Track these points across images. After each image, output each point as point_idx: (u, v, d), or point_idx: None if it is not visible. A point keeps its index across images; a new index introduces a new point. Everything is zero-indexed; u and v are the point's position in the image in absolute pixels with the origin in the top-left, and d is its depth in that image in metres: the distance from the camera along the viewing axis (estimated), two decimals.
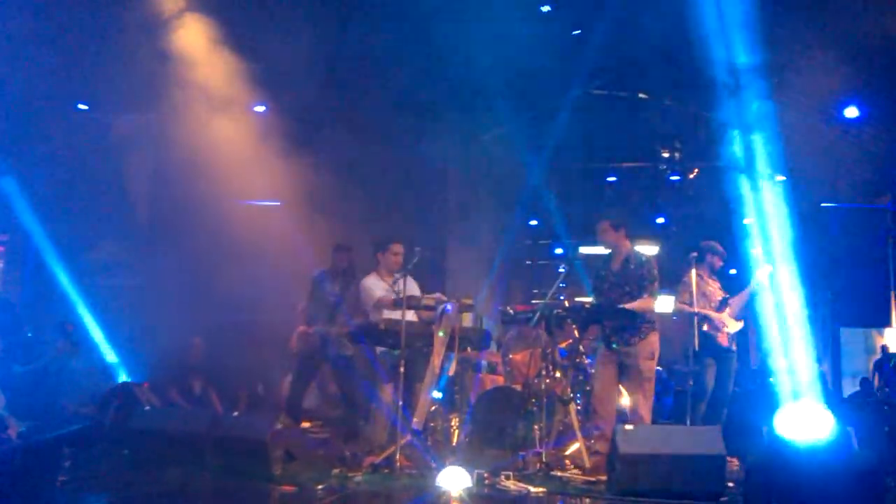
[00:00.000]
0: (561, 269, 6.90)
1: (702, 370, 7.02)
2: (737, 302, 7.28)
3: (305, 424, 7.92)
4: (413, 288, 6.79)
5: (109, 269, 10.22)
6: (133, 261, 10.28)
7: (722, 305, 7.22)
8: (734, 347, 7.29)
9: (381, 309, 6.69)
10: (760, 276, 7.39)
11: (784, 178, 13.75)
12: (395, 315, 6.38)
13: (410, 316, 6.42)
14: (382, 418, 6.53)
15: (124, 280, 10.39)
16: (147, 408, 6.43)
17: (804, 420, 5.35)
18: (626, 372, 6.39)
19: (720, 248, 7.54)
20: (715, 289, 7.36)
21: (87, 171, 10.10)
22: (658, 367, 6.93)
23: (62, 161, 9.85)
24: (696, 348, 6.91)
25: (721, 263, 7.47)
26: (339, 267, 7.60)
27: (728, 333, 7.21)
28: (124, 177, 11.03)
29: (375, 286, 6.87)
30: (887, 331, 13.47)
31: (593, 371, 6.91)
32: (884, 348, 13.05)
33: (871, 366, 13.16)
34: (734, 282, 7.76)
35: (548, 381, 6.59)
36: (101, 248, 10.23)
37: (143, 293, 10.25)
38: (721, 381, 7.12)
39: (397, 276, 6.50)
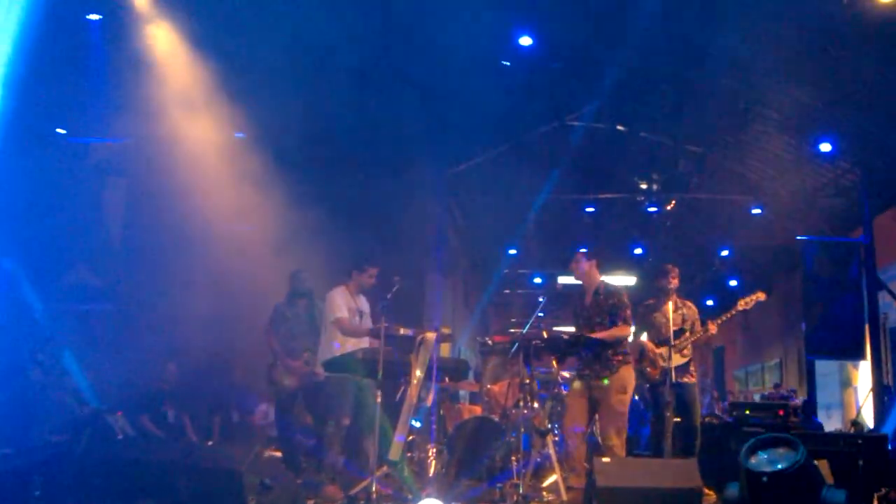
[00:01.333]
0: (540, 300, 6.89)
1: (646, 401, 6.98)
2: (713, 325, 7.13)
3: (279, 454, 7.82)
4: (367, 306, 7.02)
5: (83, 293, 10.11)
6: (107, 285, 10.17)
7: (677, 335, 6.96)
8: (687, 380, 7.03)
9: (346, 326, 6.78)
10: (747, 302, 7.28)
11: (759, 210, 13.97)
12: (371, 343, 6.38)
13: (365, 343, 6.55)
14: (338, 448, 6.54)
15: (98, 305, 10.28)
16: (120, 436, 6.33)
17: (775, 451, 5.34)
18: (597, 405, 6.37)
19: (667, 267, 7.26)
20: (666, 319, 6.98)
21: (62, 195, 10.01)
22: (636, 397, 6.88)
23: (37, 184, 9.76)
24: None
25: (674, 282, 7.15)
26: (301, 289, 7.62)
27: (663, 367, 6.94)
28: (100, 201, 10.96)
29: (342, 301, 6.89)
30: (861, 364, 13.60)
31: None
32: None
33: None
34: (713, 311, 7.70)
35: (525, 411, 6.56)
36: (74, 273, 10.13)
37: (117, 318, 10.14)
38: (681, 412, 7.03)
39: (379, 305, 6.50)
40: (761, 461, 5.15)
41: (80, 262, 10.24)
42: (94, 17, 8.78)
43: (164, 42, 9.18)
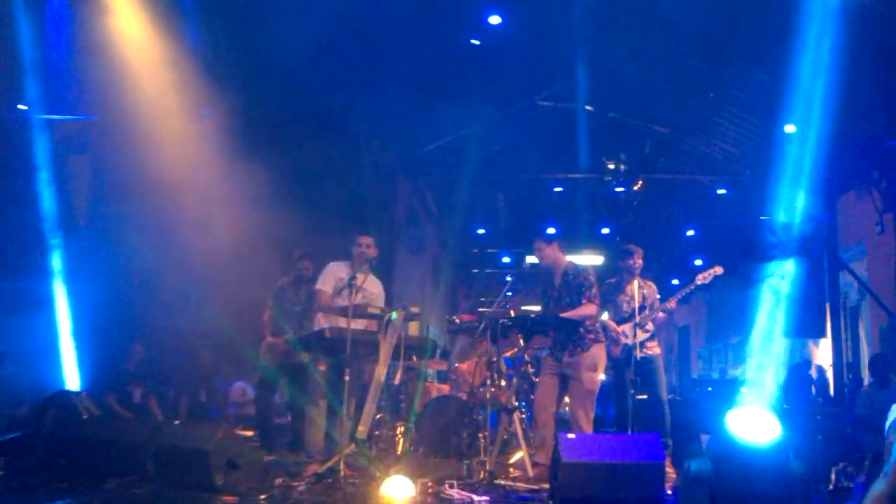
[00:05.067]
0: (507, 279, 6.94)
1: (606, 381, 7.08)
2: (672, 301, 7.27)
3: (248, 433, 7.83)
4: (375, 286, 6.92)
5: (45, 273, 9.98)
6: (71, 265, 10.04)
7: (632, 315, 7.06)
8: (649, 352, 7.18)
9: (321, 300, 6.76)
10: (705, 276, 7.39)
11: (725, 191, 14.14)
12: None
13: (358, 322, 6.41)
14: (323, 427, 6.52)
15: (63, 284, 10.14)
16: (85, 416, 6.28)
17: (754, 424, 5.45)
18: (568, 383, 6.46)
19: (630, 248, 7.43)
20: (630, 297, 7.19)
21: (26, 173, 9.86)
22: (603, 377, 6.98)
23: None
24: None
25: (639, 262, 7.31)
26: (305, 275, 7.62)
27: (624, 344, 7.13)
28: (64, 179, 10.79)
29: (329, 275, 6.87)
30: (822, 341, 13.86)
31: (537, 380, 6.97)
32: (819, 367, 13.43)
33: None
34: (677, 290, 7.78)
35: (493, 390, 6.63)
36: (38, 252, 9.98)
37: (81, 298, 10.02)
38: (647, 388, 7.16)
39: (358, 272, 6.48)
40: (738, 430, 5.24)
41: (40, 243, 10.09)
42: None
43: (128, 17, 9.06)
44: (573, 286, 6.52)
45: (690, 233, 16.90)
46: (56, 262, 9.76)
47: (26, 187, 9.66)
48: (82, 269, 10.02)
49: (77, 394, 7.12)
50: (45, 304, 9.39)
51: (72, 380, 9.00)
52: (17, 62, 8.91)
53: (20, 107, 10.12)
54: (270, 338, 7.60)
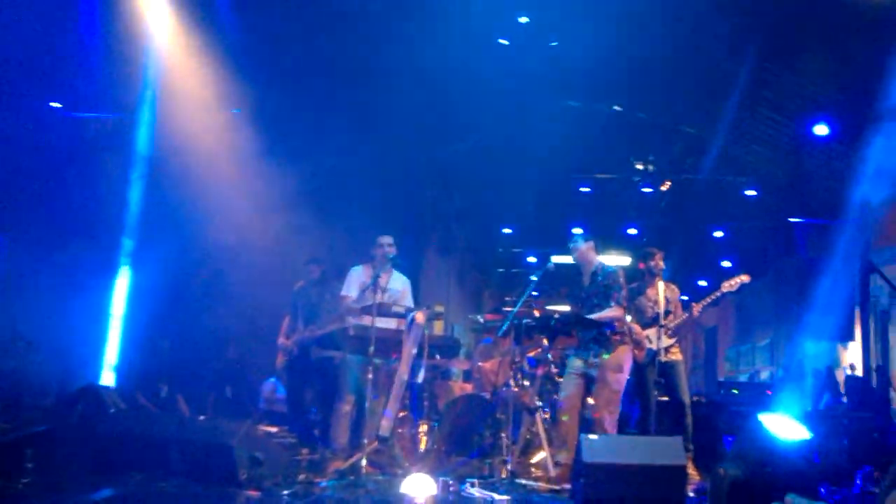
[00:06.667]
0: (532, 278, 6.92)
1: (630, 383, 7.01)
2: (697, 308, 7.20)
3: (272, 429, 7.91)
4: (399, 282, 6.86)
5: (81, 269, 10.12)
6: (102, 263, 10.18)
7: (656, 318, 7.01)
8: (672, 358, 7.11)
9: (347, 307, 6.75)
10: (731, 284, 7.32)
11: (755, 192, 14.01)
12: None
13: (387, 322, 6.44)
14: (347, 424, 6.56)
15: (95, 280, 10.28)
16: (112, 410, 6.38)
17: (782, 427, 5.44)
18: (593, 384, 6.44)
19: (652, 250, 7.37)
20: (654, 301, 7.14)
21: (58, 170, 10.00)
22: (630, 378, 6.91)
23: (33, 160, 9.75)
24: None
25: (660, 264, 7.26)
26: (312, 277, 7.79)
27: (648, 348, 7.06)
28: (97, 177, 10.93)
29: (354, 280, 6.88)
30: (851, 345, 13.68)
31: (561, 381, 6.95)
32: (852, 366, 13.26)
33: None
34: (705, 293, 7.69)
35: (516, 389, 6.63)
36: (70, 249, 10.12)
37: (114, 295, 10.14)
38: (669, 392, 7.10)
39: (381, 271, 6.52)
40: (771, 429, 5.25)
41: (76, 239, 10.23)
42: None
43: (159, 16, 9.16)
44: (601, 288, 6.49)
45: (718, 234, 16.75)
46: (87, 258, 9.89)
47: (58, 184, 9.80)
48: (113, 265, 10.16)
49: (105, 388, 7.23)
50: (77, 296, 9.53)
51: (104, 374, 9.13)
52: (52, 59, 9.04)
53: (53, 104, 10.28)
54: (282, 339, 7.88)
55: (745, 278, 7.30)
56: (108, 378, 9.05)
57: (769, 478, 4.77)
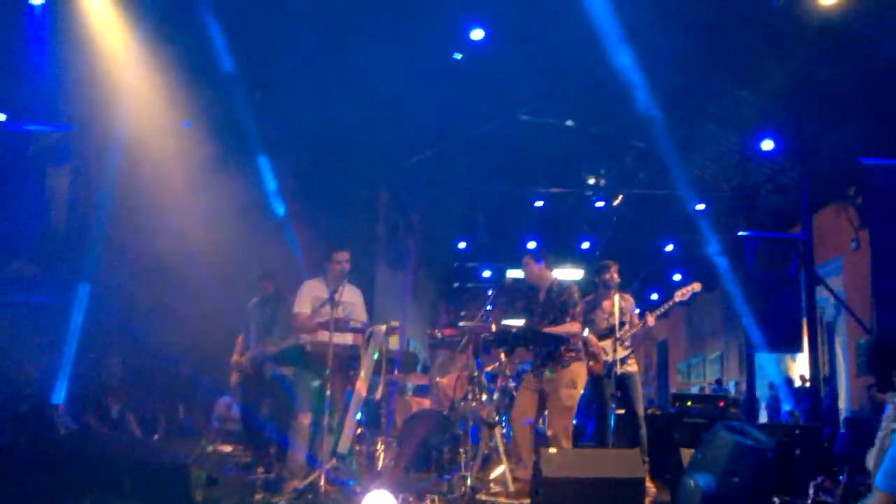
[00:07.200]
0: (489, 293, 6.93)
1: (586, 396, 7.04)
2: (651, 316, 7.25)
3: (227, 448, 7.79)
4: (352, 294, 6.71)
5: (22, 285, 9.87)
6: (50, 278, 9.94)
7: (611, 330, 7.03)
8: (629, 370, 7.14)
9: (302, 324, 6.63)
10: (683, 293, 7.41)
11: (703, 206, 14.26)
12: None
13: (343, 337, 6.38)
14: (305, 442, 6.45)
15: (40, 297, 10.04)
16: (62, 431, 6.22)
17: (743, 437, 5.53)
18: (546, 399, 6.45)
19: (607, 263, 7.39)
20: (609, 313, 7.14)
21: (2, 184, 9.77)
22: (586, 391, 6.93)
23: None
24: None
25: (615, 276, 7.27)
26: (265, 293, 7.65)
27: (605, 361, 7.04)
28: (43, 190, 10.69)
29: (306, 295, 6.76)
30: (799, 356, 13.99)
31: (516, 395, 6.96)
32: (802, 377, 13.55)
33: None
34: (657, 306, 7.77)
35: (474, 404, 6.63)
36: (13, 266, 9.88)
37: (60, 311, 9.92)
38: (625, 404, 7.16)
39: (338, 286, 6.42)
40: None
41: (18, 255, 9.98)
42: (37, 1, 8.58)
43: (109, 27, 9.00)
44: (557, 303, 6.52)
45: (670, 248, 17.01)
46: (31, 274, 9.67)
47: (4, 199, 9.57)
48: (60, 281, 9.93)
49: (54, 408, 7.05)
50: (26, 314, 9.30)
51: (52, 393, 8.88)
52: None
53: None
54: (235, 356, 7.74)
55: (696, 287, 7.41)
56: (57, 397, 8.81)
57: (739, 487, 4.84)
